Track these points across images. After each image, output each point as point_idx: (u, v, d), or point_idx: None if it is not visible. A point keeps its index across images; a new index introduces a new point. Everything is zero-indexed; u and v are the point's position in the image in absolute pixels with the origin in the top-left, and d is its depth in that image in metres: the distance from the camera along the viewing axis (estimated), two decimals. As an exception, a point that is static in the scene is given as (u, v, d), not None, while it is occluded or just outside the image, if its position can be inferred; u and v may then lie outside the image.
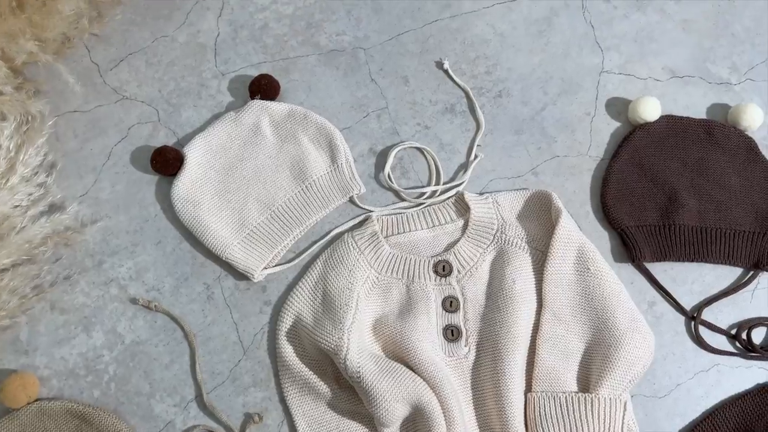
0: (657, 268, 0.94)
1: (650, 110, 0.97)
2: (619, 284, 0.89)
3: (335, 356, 0.84)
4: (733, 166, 0.97)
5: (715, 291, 0.93)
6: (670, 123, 0.99)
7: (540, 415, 0.84)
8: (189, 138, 0.97)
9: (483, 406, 0.86)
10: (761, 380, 0.90)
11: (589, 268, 0.89)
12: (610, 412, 0.83)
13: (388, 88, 1.02)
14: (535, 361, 0.86)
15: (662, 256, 0.93)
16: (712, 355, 0.91)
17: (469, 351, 0.88)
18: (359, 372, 0.82)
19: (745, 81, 1.02)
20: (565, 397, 0.84)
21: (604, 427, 0.82)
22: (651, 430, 0.88)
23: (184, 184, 0.93)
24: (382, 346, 0.89)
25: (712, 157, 0.97)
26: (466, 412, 0.86)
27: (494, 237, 0.92)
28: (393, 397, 0.82)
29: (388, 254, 0.92)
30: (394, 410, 0.82)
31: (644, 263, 0.93)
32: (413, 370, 0.85)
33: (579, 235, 0.91)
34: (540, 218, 0.93)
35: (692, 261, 0.93)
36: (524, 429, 0.83)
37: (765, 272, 0.93)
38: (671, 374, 0.90)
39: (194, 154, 0.95)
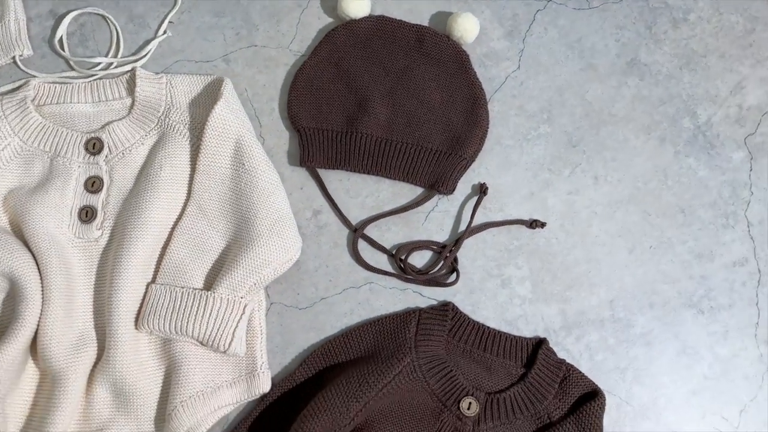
0: (332, 177, 0.88)
1: (357, 7, 0.89)
2: (274, 184, 0.82)
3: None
4: (439, 80, 0.89)
5: (388, 209, 0.87)
6: (378, 24, 0.90)
7: (150, 306, 0.79)
8: None
9: (101, 292, 0.81)
10: (413, 305, 0.85)
11: (243, 164, 0.82)
12: (224, 312, 0.78)
13: (84, -54, 0.92)
14: (165, 252, 0.81)
15: (337, 164, 0.87)
16: (368, 272, 0.86)
17: (102, 235, 0.83)
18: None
19: (481, -9, 0.93)
20: (181, 293, 0.79)
21: (216, 327, 0.78)
22: (282, 339, 0.84)
23: None
24: (9, 218, 0.83)
25: (419, 68, 0.89)
26: (83, 297, 0.81)
27: (159, 120, 0.85)
28: (-18, 267, 0.76)
29: (37, 123, 0.85)
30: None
31: (318, 169, 0.87)
32: (28, 246, 0.80)
33: (239, 127, 0.83)
34: (211, 106, 0.86)
35: (370, 173, 0.87)
36: (131, 318, 0.79)
37: (443, 195, 0.87)
38: (318, 287, 0.85)
39: None
